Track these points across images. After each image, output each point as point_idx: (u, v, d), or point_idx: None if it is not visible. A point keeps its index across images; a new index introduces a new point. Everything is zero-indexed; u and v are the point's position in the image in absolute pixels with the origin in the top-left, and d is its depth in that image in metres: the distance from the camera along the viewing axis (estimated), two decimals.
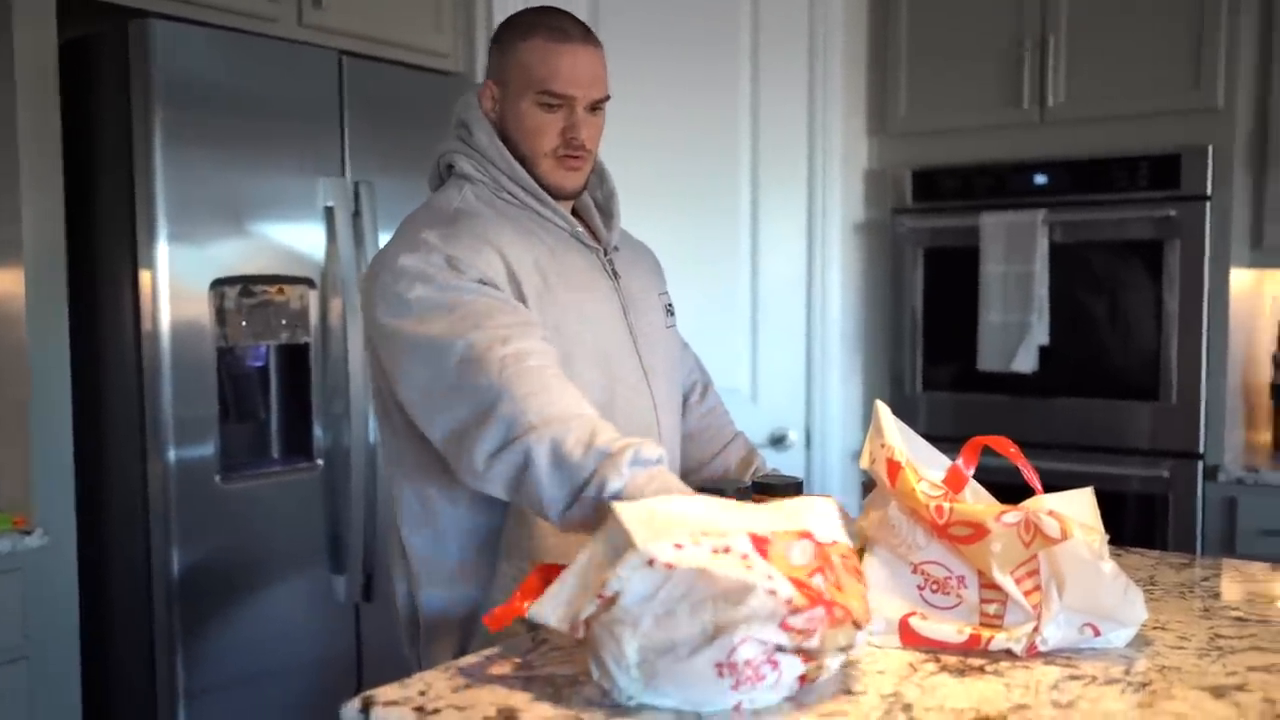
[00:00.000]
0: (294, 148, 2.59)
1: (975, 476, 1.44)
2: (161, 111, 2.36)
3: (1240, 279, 3.14)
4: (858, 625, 1.15)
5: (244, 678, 2.51)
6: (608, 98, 1.67)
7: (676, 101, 3.19)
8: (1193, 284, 3.07)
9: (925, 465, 1.43)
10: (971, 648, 1.30)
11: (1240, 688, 1.19)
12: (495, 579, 1.59)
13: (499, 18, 1.79)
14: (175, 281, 2.39)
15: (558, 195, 1.67)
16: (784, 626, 1.10)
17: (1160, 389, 3.11)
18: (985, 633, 1.31)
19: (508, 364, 1.42)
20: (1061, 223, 3.21)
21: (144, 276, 2.38)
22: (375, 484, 2.67)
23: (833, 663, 1.16)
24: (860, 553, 1.41)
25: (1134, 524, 3.12)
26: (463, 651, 1.57)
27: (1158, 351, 3.11)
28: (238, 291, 2.51)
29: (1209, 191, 3.05)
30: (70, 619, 2.40)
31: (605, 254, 1.73)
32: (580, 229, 1.70)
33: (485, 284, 1.52)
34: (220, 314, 2.48)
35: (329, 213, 2.64)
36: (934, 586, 1.37)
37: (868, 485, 1.55)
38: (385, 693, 1.18)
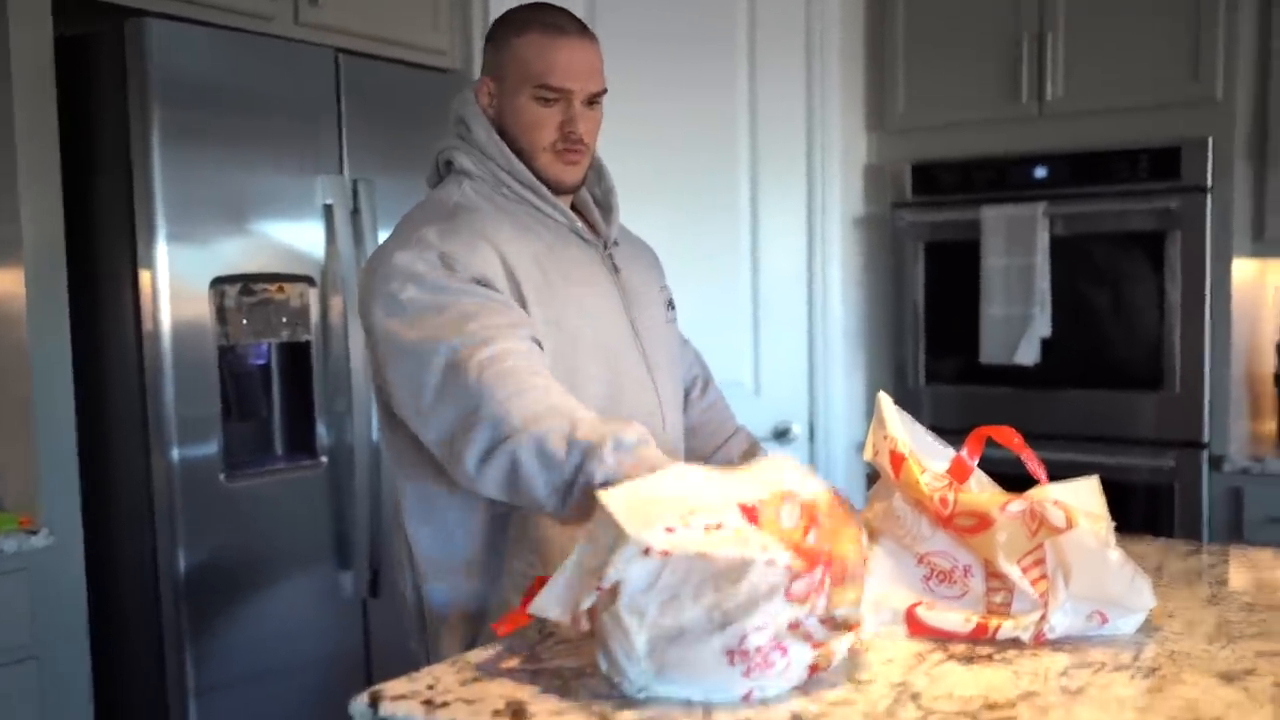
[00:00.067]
0: (292, 146, 2.59)
1: (980, 468, 1.44)
2: (159, 110, 2.36)
3: (1243, 269, 3.14)
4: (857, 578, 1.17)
5: (253, 674, 2.51)
6: (605, 91, 1.66)
7: (674, 99, 3.19)
8: (1194, 275, 3.06)
9: (929, 456, 1.43)
10: (979, 637, 1.30)
11: (1249, 673, 1.19)
12: (504, 574, 1.59)
13: (495, 14, 1.79)
14: (175, 280, 2.39)
15: (557, 190, 1.67)
16: (789, 596, 1.10)
17: (1164, 379, 3.11)
18: (992, 622, 1.30)
19: (486, 367, 1.42)
20: (1062, 215, 3.20)
21: (144, 276, 2.38)
22: (379, 479, 2.67)
23: (840, 646, 1.16)
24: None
25: (1140, 515, 3.12)
26: (471, 645, 1.57)
27: (1161, 342, 3.11)
28: (238, 290, 2.50)
29: (1209, 183, 3.04)
30: (78, 618, 2.40)
31: (605, 249, 1.73)
32: (580, 224, 1.70)
33: (478, 282, 1.52)
34: (221, 312, 2.47)
35: (328, 210, 2.64)
36: (940, 577, 1.37)
37: (872, 477, 1.55)
38: (393, 687, 1.18)
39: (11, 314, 2.36)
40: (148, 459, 2.41)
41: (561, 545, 1.51)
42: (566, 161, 1.65)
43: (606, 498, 1.15)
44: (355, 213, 2.68)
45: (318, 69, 2.64)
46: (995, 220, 3.25)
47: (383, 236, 2.22)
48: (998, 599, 1.33)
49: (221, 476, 2.46)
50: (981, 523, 1.31)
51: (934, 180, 3.41)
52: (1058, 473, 1.41)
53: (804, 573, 1.10)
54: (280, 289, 2.58)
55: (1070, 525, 1.27)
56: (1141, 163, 3.12)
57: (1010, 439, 1.41)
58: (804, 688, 1.15)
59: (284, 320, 2.59)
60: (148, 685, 2.46)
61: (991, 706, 1.11)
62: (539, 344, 1.52)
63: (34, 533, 2.29)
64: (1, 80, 2.31)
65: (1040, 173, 3.25)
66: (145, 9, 2.46)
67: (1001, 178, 3.31)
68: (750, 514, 1.14)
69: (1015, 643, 1.29)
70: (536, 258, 1.60)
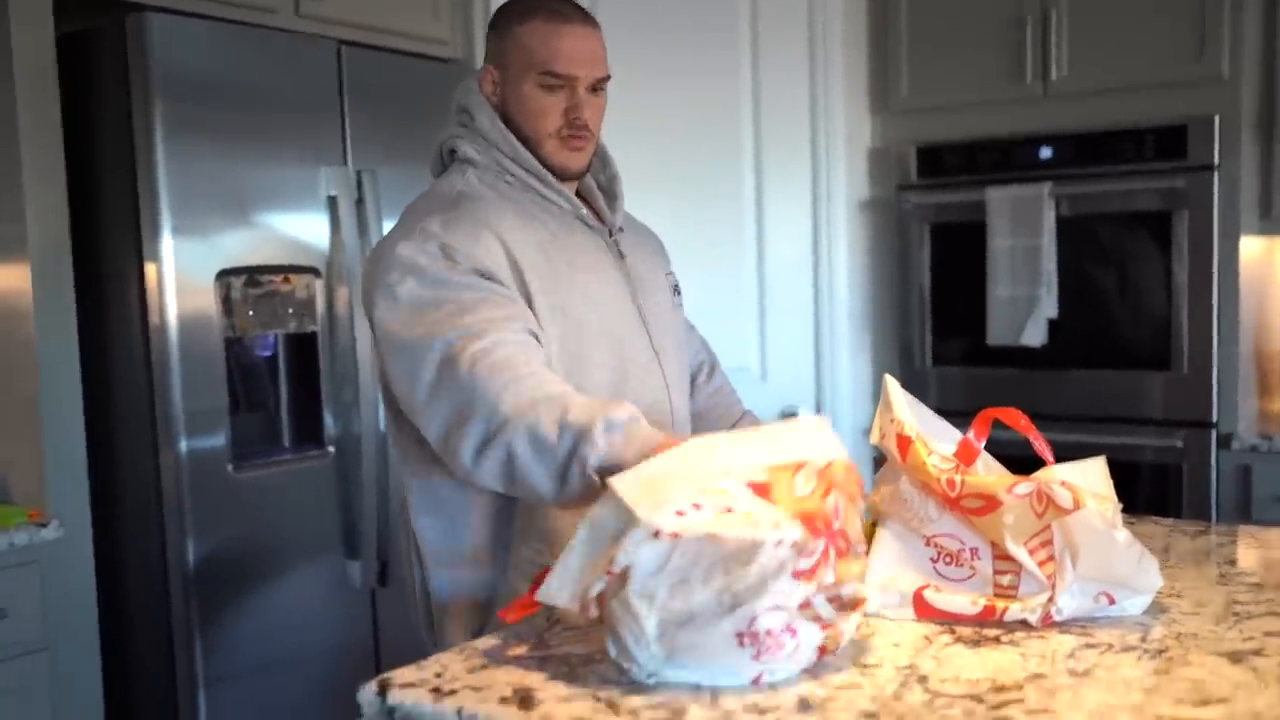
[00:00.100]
0: (295, 138, 2.59)
1: (987, 449, 1.44)
2: (162, 105, 2.36)
3: (1250, 247, 3.12)
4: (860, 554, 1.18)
5: (263, 665, 2.52)
6: (609, 78, 1.66)
7: (677, 86, 3.18)
8: (1202, 253, 3.05)
9: (936, 439, 1.43)
10: (986, 619, 1.30)
11: (1258, 652, 1.18)
12: (512, 562, 1.59)
13: (496, 3, 1.79)
14: (181, 274, 2.40)
15: (562, 176, 1.67)
16: (795, 575, 1.10)
17: (1172, 359, 3.10)
18: (1000, 604, 1.30)
19: (479, 360, 1.42)
20: (1068, 195, 3.19)
21: (149, 269, 2.39)
22: (387, 470, 2.68)
23: (848, 626, 1.16)
24: (872, 526, 1.42)
25: (1148, 494, 3.12)
26: (480, 633, 1.57)
27: (1168, 321, 3.10)
28: (243, 282, 2.51)
29: (1216, 161, 3.03)
30: (89, 610, 2.42)
31: (610, 235, 1.73)
32: (585, 210, 1.70)
33: (480, 274, 1.52)
34: (227, 305, 2.48)
35: (332, 202, 2.64)
36: (947, 559, 1.37)
37: (879, 460, 1.55)
38: (402, 675, 1.18)
39: (19, 310, 2.37)
40: (156, 451, 2.42)
41: (568, 533, 1.51)
42: (572, 148, 1.64)
43: (616, 483, 1.15)
44: (359, 203, 2.68)
45: (320, 61, 2.64)
46: (1000, 201, 3.24)
47: (387, 226, 2.21)
48: (1005, 581, 1.33)
49: (229, 468, 2.47)
50: (989, 504, 1.31)
51: (939, 162, 3.40)
52: (1065, 454, 1.40)
53: (810, 544, 1.10)
54: (286, 280, 2.58)
55: (1077, 506, 1.27)
56: (1147, 142, 3.10)
57: (1017, 420, 1.40)
58: (811, 671, 1.15)
59: (290, 311, 2.60)
60: (157, 676, 2.47)
61: (999, 689, 1.11)
62: (536, 336, 1.51)
63: (44, 525, 2.30)
64: (4, 79, 2.32)
65: (1045, 153, 3.24)
66: (146, 3, 2.46)
67: (1006, 159, 3.29)
68: (761, 491, 1.14)
69: (1023, 624, 1.29)
70: (541, 245, 1.60)
